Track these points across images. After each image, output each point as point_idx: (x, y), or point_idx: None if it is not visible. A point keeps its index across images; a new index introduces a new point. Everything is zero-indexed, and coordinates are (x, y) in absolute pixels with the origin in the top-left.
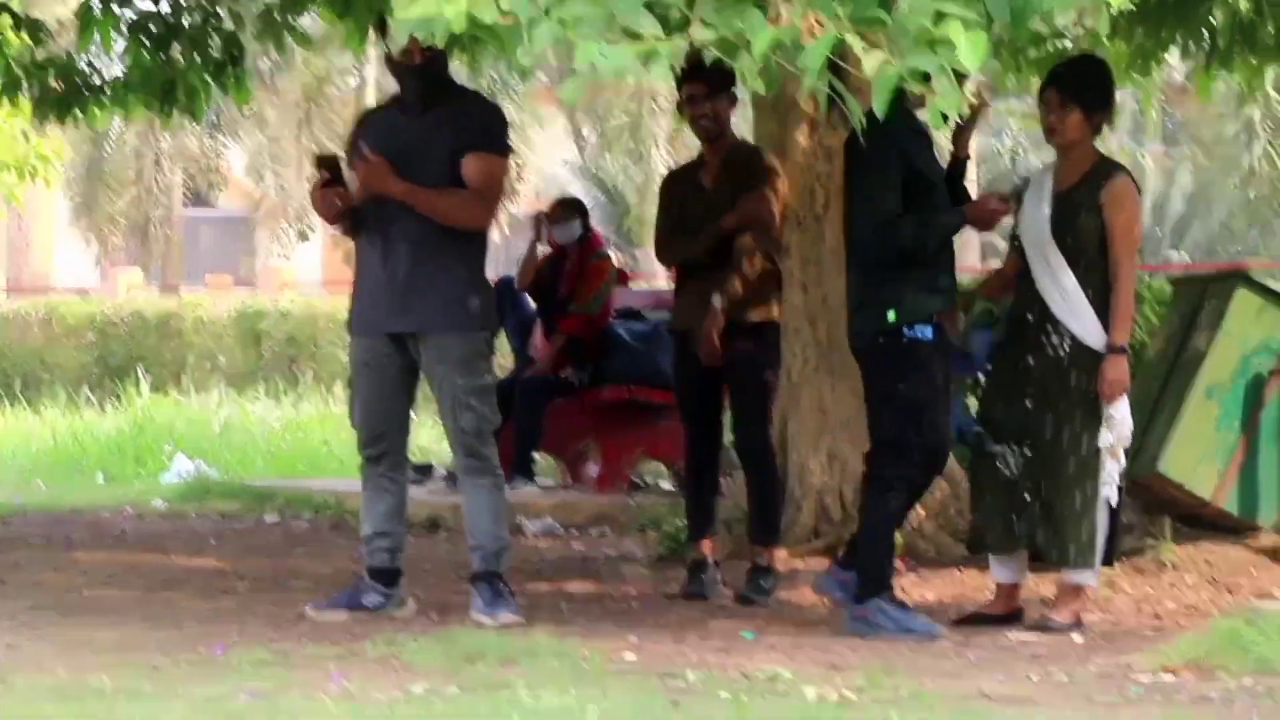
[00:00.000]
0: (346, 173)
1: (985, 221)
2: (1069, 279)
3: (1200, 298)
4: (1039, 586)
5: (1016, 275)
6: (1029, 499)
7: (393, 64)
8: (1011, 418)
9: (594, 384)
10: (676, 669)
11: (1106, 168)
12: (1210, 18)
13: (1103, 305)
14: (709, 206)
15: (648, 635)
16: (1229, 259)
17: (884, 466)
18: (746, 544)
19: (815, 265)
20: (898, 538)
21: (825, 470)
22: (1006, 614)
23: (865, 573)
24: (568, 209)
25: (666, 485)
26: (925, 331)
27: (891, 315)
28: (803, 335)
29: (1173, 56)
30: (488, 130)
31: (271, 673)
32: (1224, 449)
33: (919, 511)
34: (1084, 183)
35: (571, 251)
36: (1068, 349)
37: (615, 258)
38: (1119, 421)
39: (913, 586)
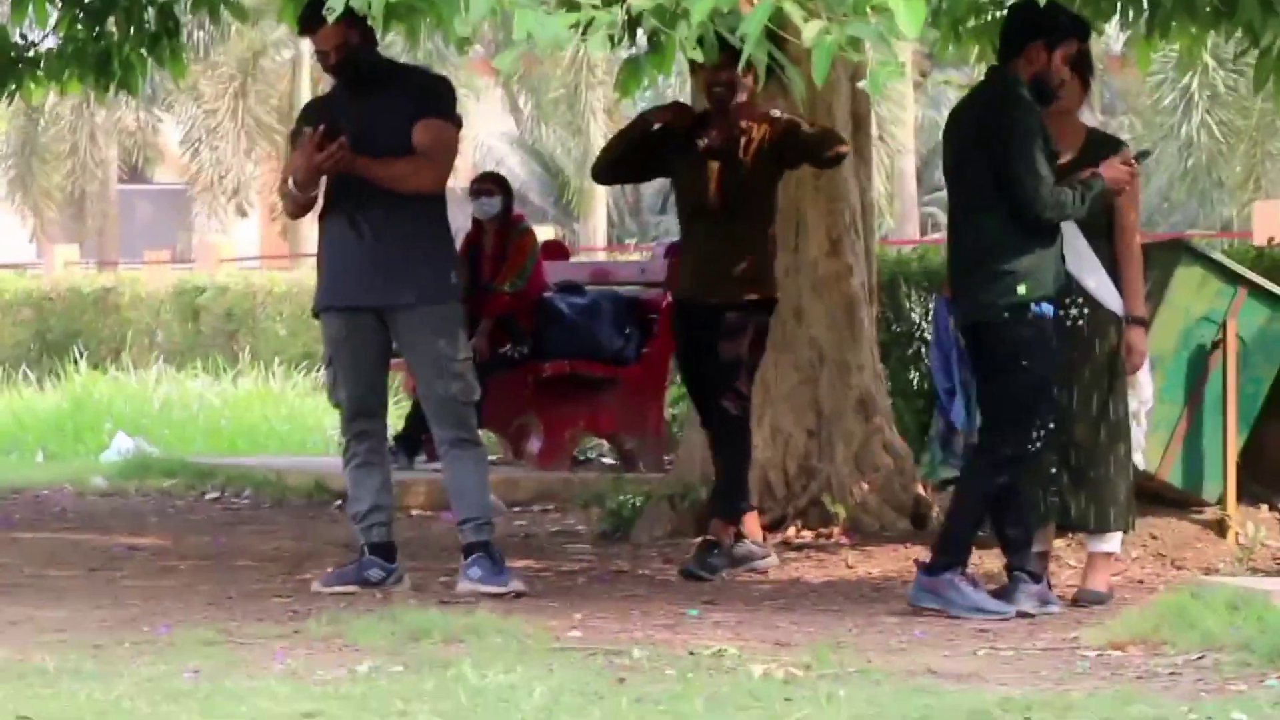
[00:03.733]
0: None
1: (1119, 183)
2: (1081, 241)
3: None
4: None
5: None
6: (1055, 472)
7: (323, 66)
8: None
9: (534, 359)
10: (622, 646)
11: (1105, 139)
12: None
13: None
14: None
15: (592, 613)
16: (1169, 230)
17: (1002, 445)
18: (690, 521)
19: None
20: (840, 510)
21: (768, 444)
22: None
23: (947, 545)
24: (492, 183)
25: (609, 460)
26: (1047, 309)
27: (1022, 289)
28: None
29: (1110, 26)
30: (436, 98)
31: (215, 652)
32: (1167, 422)
33: (863, 485)
34: (1084, 155)
35: (490, 228)
36: (1085, 318)
37: (555, 231)
38: (1143, 385)
39: (857, 561)
